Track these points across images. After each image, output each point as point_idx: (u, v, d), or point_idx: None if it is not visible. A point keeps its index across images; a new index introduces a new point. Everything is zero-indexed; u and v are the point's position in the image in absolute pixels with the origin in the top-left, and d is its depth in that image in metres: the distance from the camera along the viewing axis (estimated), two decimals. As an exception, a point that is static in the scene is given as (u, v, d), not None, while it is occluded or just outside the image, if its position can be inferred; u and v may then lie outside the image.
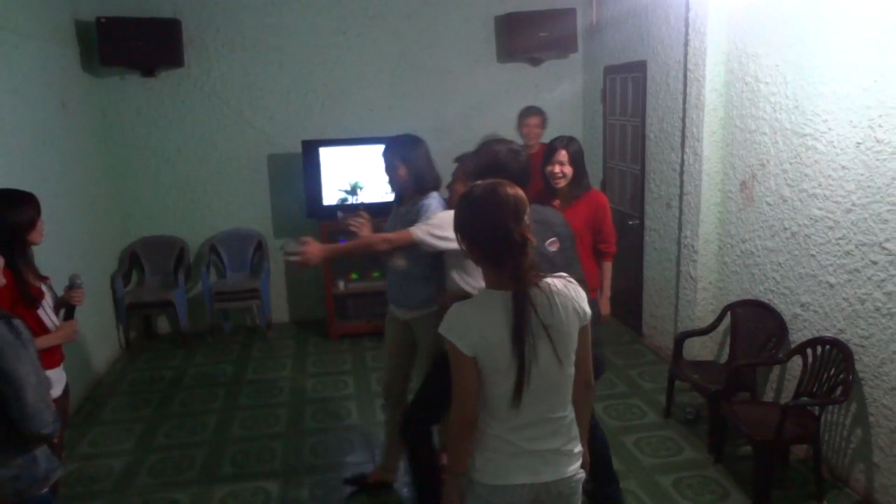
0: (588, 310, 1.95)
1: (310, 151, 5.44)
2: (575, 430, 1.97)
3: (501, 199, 1.83)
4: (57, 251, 3.92)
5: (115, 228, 5.59)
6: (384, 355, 3.48)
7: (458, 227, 1.90)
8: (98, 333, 5.01)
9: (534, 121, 5.01)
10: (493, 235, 1.81)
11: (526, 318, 1.79)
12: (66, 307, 2.93)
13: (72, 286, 2.89)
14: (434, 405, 2.97)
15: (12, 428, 2.01)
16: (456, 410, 1.86)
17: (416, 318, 3.17)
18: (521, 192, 1.87)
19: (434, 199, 3.08)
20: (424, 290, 3.12)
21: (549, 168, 3.46)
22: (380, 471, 3.52)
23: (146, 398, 4.58)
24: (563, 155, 3.43)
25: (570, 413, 1.95)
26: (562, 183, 3.46)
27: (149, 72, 5.48)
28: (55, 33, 4.74)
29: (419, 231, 2.84)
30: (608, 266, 3.69)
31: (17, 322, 2.01)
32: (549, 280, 1.88)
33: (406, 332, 3.26)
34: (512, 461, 1.88)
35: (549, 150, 3.48)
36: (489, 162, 2.67)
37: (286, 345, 5.58)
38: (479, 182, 1.93)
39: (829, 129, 3.32)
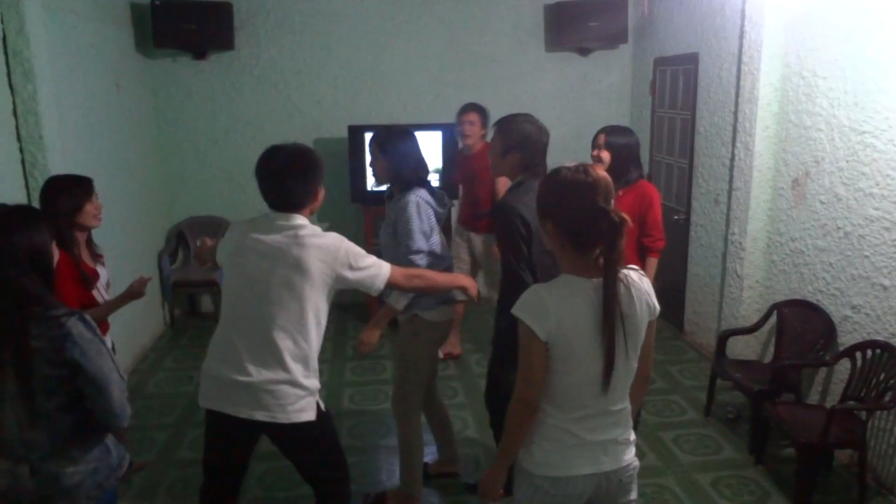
0: (657, 305, 1.93)
1: (356, 137, 5.47)
2: (629, 420, 1.96)
3: (594, 180, 1.78)
4: (107, 229, 4.01)
5: (163, 208, 5.71)
6: None
7: (546, 210, 1.84)
8: (144, 310, 5.13)
9: (471, 117, 4.66)
10: (584, 218, 1.76)
11: (615, 307, 1.75)
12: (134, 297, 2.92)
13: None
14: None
15: (86, 422, 1.97)
16: (520, 392, 1.82)
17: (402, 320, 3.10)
18: (606, 175, 1.83)
19: (413, 199, 2.88)
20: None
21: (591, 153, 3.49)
22: (440, 463, 3.52)
23: (189, 374, 4.69)
24: (600, 139, 3.43)
25: (627, 405, 1.94)
26: (601, 169, 3.42)
27: (200, 54, 5.57)
28: (111, 15, 4.84)
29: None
30: (652, 262, 3.60)
31: (89, 317, 1.95)
32: (624, 271, 1.84)
33: None
34: (573, 452, 1.87)
35: (594, 137, 3.50)
36: (521, 139, 2.75)
37: (326, 328, 5.61)
38: (567, 164, 1.86)
39: (890, 126, 3.22)
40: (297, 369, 2.28)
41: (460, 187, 5.02)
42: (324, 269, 2.26)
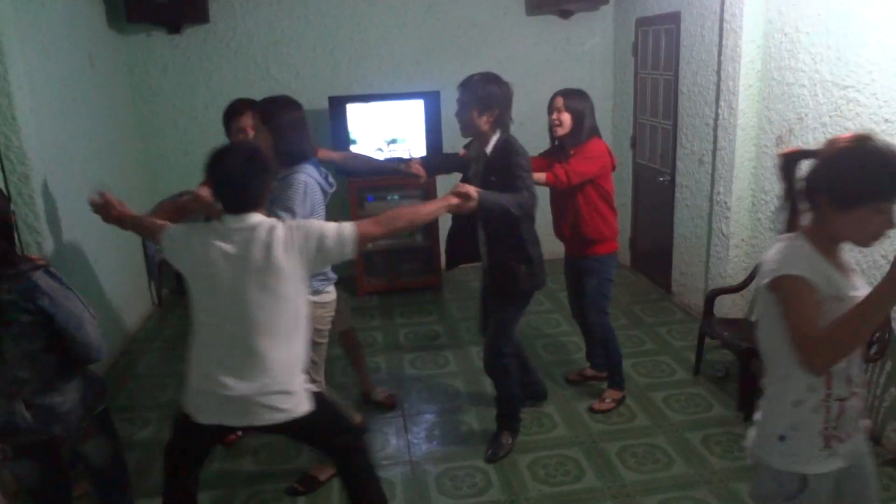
0: None
1: (337, 108, 5.40)
2: None
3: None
4: (88, 208, 3.97)
5: (144, 186, 5.64)
6: None
7: (875, 192, 1.65)
8: (131, 291, 5.10)
9: (245, 122, 3.25)
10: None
11: None
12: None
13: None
14: (508, 339, 3.30)
15: (67, 360, 2.25)
16: (808, 337, 1.64)
17: None
18: None
19: (301, 179, 2.75)
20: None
21: (549, 118, 3.50)
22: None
23: (179, 354, 4.65)
24: (558, 101, 3.44)
25: None
26: (560, 132, 3.45)
27: (174, 28, 5.45)
28: (81, -10, 4.72)
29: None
30: (539, 175, 3.29)
31: (53, 269, 2.24)
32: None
33: None
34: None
35: (550, 101, 3.50)
36: (497, 97, 3.01)
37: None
38: (866, 136, 1.72)
39: (873, 80, 3.21)
40: (285, 374, 2.25)
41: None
42: (292, 260, 2.20)
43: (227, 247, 2.20)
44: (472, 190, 2.64)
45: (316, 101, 5.68)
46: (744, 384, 3.69)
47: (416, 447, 3.54)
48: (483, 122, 3.04)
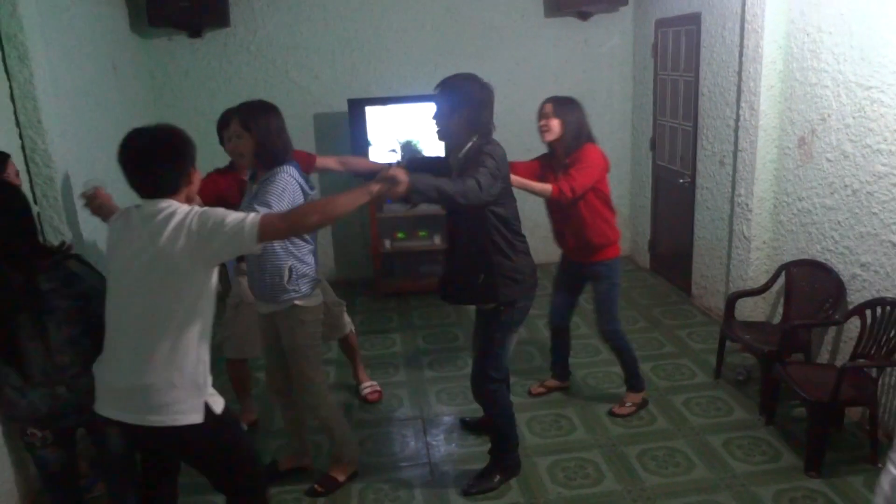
0: None
1: (356, 110, 5.43)
2: None
3: None
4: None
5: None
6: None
7: None
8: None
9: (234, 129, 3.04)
10: None
11: None
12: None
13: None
14: (494, 363, 3.03)
15: (100, 343, 2.21)
16: None
17: (276, 312, 2.93)
18: None
19: (284, 176, 2.76)
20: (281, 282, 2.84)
21: (538, 123, 3.44)
22: (293, 456, 3.36)
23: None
24: (547, 108, 3.41)
25: None
26: (549, 136, 3.41)
27: (196, 32, 5.51)
28: (104, -5, 4.79)
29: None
30: (546, 188, 3.30)
31: (80, 255, 2.45)
32: None
33: (272, 327, 3.02)
34: None
35: (539, 107, 3.46)
36: (479, 99, 2.79)
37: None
38: None
39: (898, 80, 3.17)
40: (174, 370, 2.07)
41: None
42: (185, 248, 2.03)
43: (135, 232, 2.11)
44: (399, 172, 2.37)
45: (335, 103, 5.72)
46: (765, 388, 3.66)
47: (434, 449, 3.54)
48: (454, 123, 2.80)
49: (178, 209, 2.09)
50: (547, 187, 3.30)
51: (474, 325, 3.34)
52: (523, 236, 2.97)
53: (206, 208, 2.11)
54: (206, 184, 3.32)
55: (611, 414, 3.74)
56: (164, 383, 2.07)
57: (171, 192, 2.13)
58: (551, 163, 3.51)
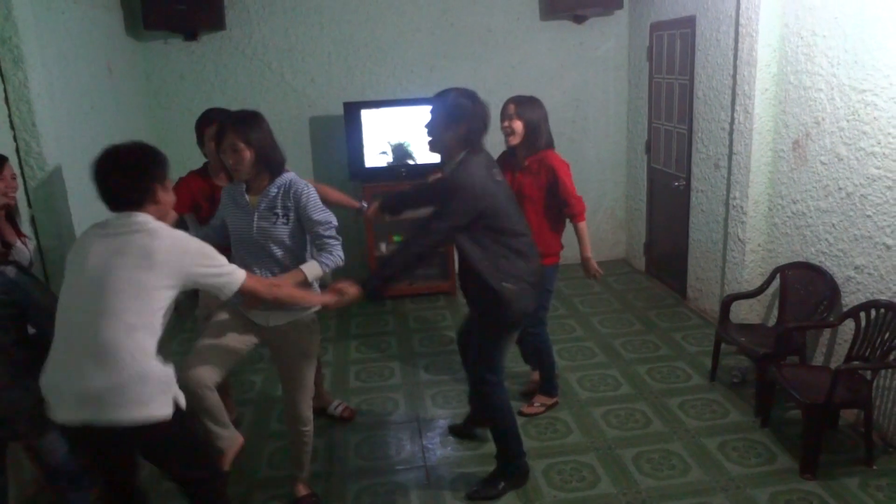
0: None
1: (351, 113, 5.43)
2: None
3: None
4: (107, 213, 4.02)
5: (161, 192, 5.68)
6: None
7: None
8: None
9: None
10: None
11: None
12: None
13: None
14: (493, 357, 3.01)
15: (37, 358, 2.18)
16: None
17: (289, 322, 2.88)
18: None
19: (297, 178, 2.84)
20: None
21: (501, 124, 3.42)
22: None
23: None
24: (510, 108, 3.39)
25: None
26: (514, 140, 3.40)
27: (191, 35, 5.51)
28: (99, -2, 4.78)
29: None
30: (582, 227, 3.49)
31: (23, 265, 2.49)
32: None
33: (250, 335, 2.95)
34: None
35: (502, 107, 3.44)
36: (469, 114, 2.77)
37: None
38: None
39: (891, 83, 3.18)
40: (140, 366, 2.10)
41: None
42: (171, 262, 2.12)
43: (106, 237, 2.16)
44: (345, 286, 2.69)
45: (331, 106, 5.72)
46: (760, 390, 3.66)
47: (430, 452, 3.54)
48: (449, 138, 2.80)
49: (176, 231, 2.20)
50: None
51: (463, 322, 3.34)
52: (525, 236, 2.91)
53: (203, 244, 2.24)
54: (181, 186, 3.34)
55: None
56: (134, 380, 2.08)
57: (134, 205, 2.18)
58: (511, 161, 3.50)
